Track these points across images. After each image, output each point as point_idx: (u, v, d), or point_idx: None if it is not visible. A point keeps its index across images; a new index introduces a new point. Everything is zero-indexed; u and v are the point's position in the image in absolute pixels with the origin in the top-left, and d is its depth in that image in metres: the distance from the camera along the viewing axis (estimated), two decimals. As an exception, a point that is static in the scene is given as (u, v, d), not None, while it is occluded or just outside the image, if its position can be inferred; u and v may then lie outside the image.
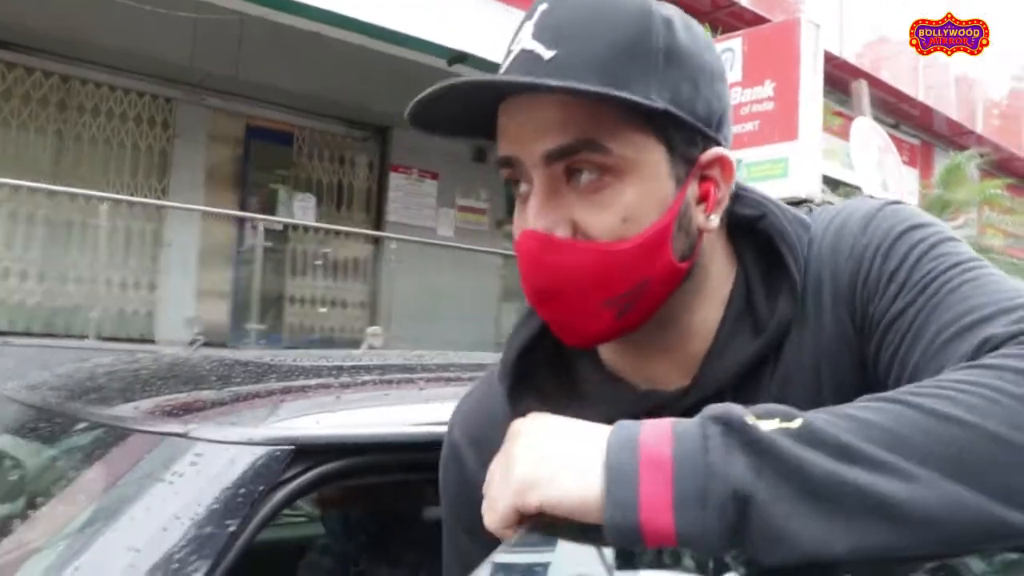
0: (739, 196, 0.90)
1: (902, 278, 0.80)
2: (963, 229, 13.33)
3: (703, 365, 0.87)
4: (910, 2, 11.20)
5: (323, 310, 9.50)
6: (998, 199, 13.19)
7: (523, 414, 0.89)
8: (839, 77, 10.82)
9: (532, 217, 0.79)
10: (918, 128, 14.20)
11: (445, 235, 10.78)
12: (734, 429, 0.64)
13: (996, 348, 0.68)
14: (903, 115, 13.63)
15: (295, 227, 9.30)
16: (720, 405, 0.66)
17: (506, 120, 0.81)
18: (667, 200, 0.80)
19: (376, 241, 9.92)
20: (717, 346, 0.87)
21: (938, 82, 14.06)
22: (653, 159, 0.79)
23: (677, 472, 0.63)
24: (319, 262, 9.49)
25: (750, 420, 0.64)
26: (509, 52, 0.82)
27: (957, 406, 0.62)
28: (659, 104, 0.77)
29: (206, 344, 5.10)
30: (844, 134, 7.77)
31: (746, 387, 0.85)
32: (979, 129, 14.81)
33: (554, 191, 0.79)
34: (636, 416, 0.84)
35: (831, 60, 10.74)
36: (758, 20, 9.79)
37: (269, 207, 9.70)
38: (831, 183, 11.06)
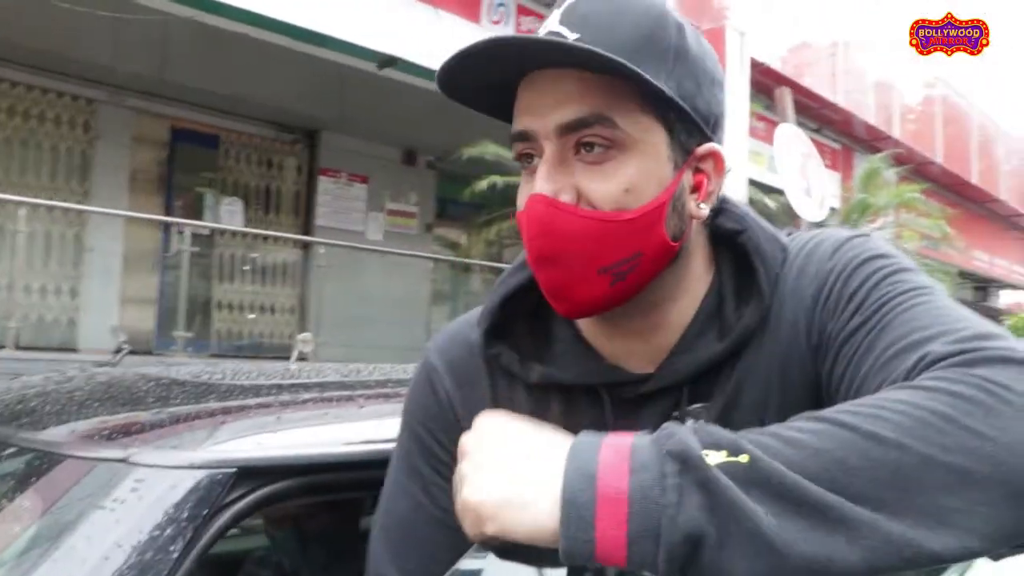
0: (723, 209, 0.97)
1: (859, 299, 0.85)
2: (883, 231, 13.74)
3: (668, 357, 0.93)
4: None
5: (251, 316, 9.38)
6: (914, 202, 13.62)
7: (495, 358, 0.97)
8: (763, 83, 11.06)
9: (540, 181, 0.84)
10: (839, 132, 14.58)
11: (375, 239, 10.74)
12: (690, 468, 0.66)
13: (933, 364, 0.72)
14: (824, 120, 13.98)
15: (222, 232, 9.17)
16: (679, 437, 0.68)
17: (526, 94, 0.87)
18: (665, 180, 0.87)
19: (305, 246, 9.83)
20: (684, 341, 0.93)
21: (856, 87, 14.44)
22: (656, 140, 0.86)
23: (632, 510, 0.65)
24: (247, 267, 9.37)
25: (707, 458, 0.66)
26: (536, 37, 0.87)
27: (895, 429, 0.65)
28: (668, 91, 0.84)
29: (131, 353, 4.97)
30: (769, 138, 7.94)
31: (702, 385, 0.92)
32: (896, 134, 15.25)
33: (562, 160, 0.85)
34: (596, 388, 0.93)
35: (756, 66, 10.97)
36: None
37: (195, 211, 9.54)
38: (758, 186, 11.31)
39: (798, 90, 11.19)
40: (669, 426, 0.70)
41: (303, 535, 1.69)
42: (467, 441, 0.77)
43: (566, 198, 0.84)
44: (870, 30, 15.13)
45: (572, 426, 0.92)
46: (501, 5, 9.05)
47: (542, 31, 0.87)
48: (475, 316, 1.03)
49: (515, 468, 0.71)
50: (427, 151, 11.29)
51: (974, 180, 18.08)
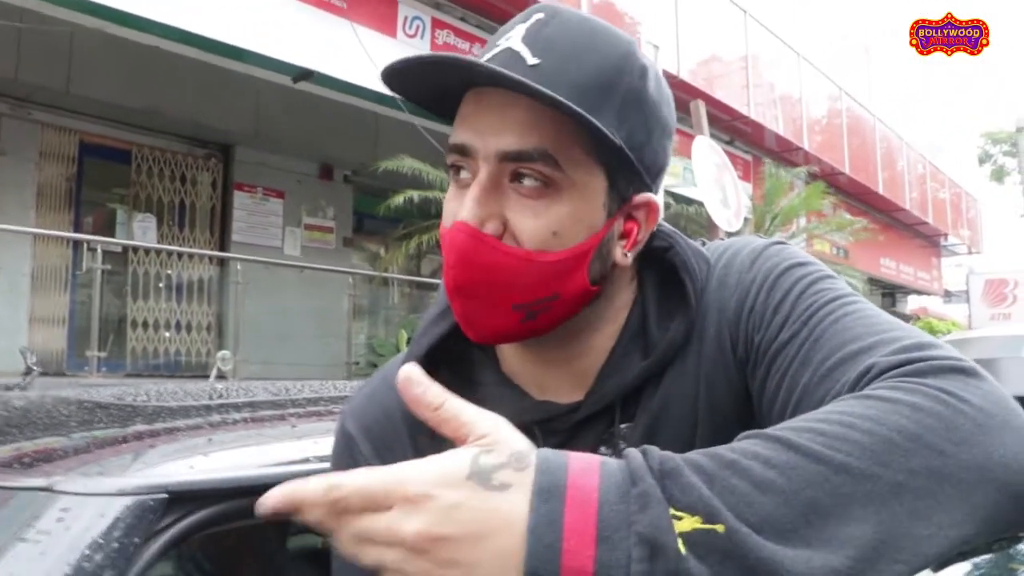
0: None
1: (786, 310, 0.85)
2: (795, 238, 14.11)
3: (595, 382, 0.92)
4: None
5: (168, 334, 9.15)
6: (818, 206, 14.00)
7: None
8: (677, 96, 11.23)
9: (468, 205, 0.81)
10: (750, 144, 14.91)
11: (292, 254, 10.61)
12: (660, 557, 0.59)
13: (878, 376, 0.72)
14: (736, 132, 14.28)
15: (135, 248, 8.93)
16: (650, 511, 0.60)
17: (472, 108, 0.83)
18: (595, 227, 0.85)
19: (221, 262, 9.65)
20: (609, 365, 0.92)
21: (765, 100, 14.80)
22: (594, 185, 0.84)
23: None
24: (162, 284, 9.14)
25: (679, 525, 0.60)
26: (495, 46, 0.85)
27: (863, 455, 0.63)
28: (618, 140, 0.82)
29: (42, 374, 4.81)
30: (683, 151, 8.08)
31: (631, 401, 0.91)
32: (805, 145, 15.67)
33: (495, 186, 0.82)
34: (528, 424, 0.88)
35: (669, 79, 11.11)
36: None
37: (107, 228, 9.28)
38: (676, 197, 11.51)
39: (711, 102, 11.42)
40: (638, 475, 0.62)
41: (233, 559, 1.65)
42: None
43: (490, 228, 0.82)
44: (777, 44, 15.53)
45: None
46: (417, 19, 9.04)
47: (502, 41, 0.84)
48: (390, 372, 0.99)
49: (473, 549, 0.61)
50: (344, 165, 11.20)
51: (880, 190, 18.67)
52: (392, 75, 0.83)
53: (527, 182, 0.82)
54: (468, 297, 0.84)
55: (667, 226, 0.98)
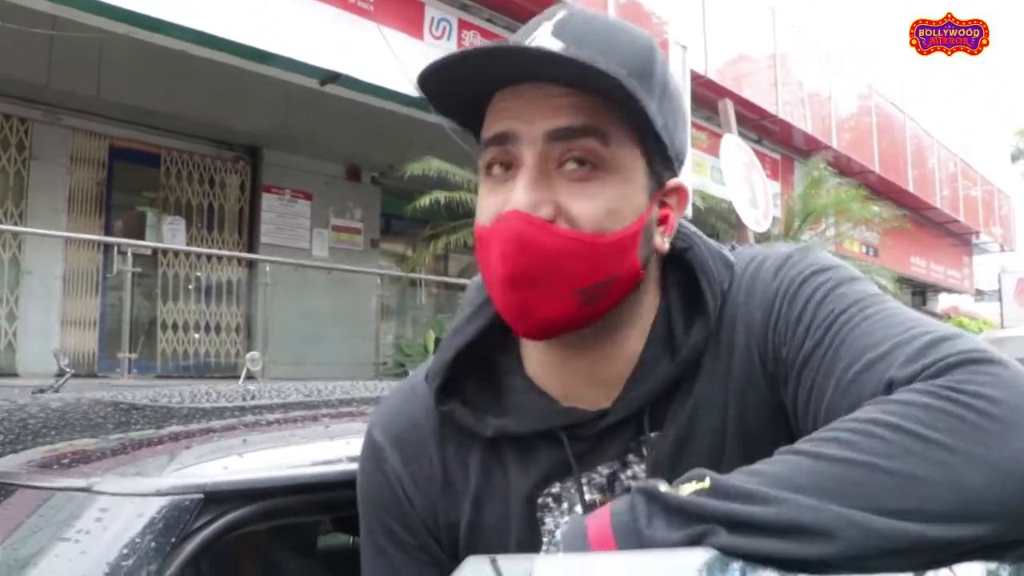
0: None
1: (808, 320, 0.85)
2: (826, 233, 14.01)
3: (624, 389, 0.92)
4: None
5: (197, 336, 9.23)
6: (848, 208, 13.87)
7: (447, 415, 0.94)
8: (705, 95, 11.21)
9: (520, 192, 0.81)
10: (778, 143, 14.83)
11: (320, 256, 10.67)
12: (656, 500, 0.68)
13: (900, 386, 0.72)
14: (764, 131, 14.22)
15: (165, 251, 9.02)
16: (650, 483, 0.70)
17: (510, 99, 0.84)
18: (640, 208, 0.86)
19: (250, 264, 9.72)
20: (639, 372, 0.92)
21: (793, 98, 14.70)
22: (637, 166, 0.86)
23: None
24: (191, 286, 9.22)
25: (674, 491, 0.68)
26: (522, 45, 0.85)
27: (843, 447, 0.67)
28: (659, 120, 0.84)
29: (74, 376, 4.86)
30: (710, 149, 8.05)
31: (659, 409, 0.91)
32: (834, 144, 15.56)
33: (544, 172, 0.83)
34: (556, 430, 0.91)
35: (697, 79, 11.13)
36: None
37: (137, 231, 9.37)
38: (703, 196, 11.45)
39: (738, 101, 11.37)
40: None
41: (266, 559, 1.67)
42: None
43: (544, 213, 0.81)
44: (806, 41, 15.44)
45: (530, 475, 0.91)
46: (444, 20, 9.05)
47: (531, 41, 0.85)
48: (416, 383, 1.01)
49: None
50: (371, 167, 11.25)
51: (910, 188, 18.51)
52: (431, 74, 0.82)
53: (576, 166, 0.82)
54: (527, 286, 0.83)
55: (688, 226, 0.98)
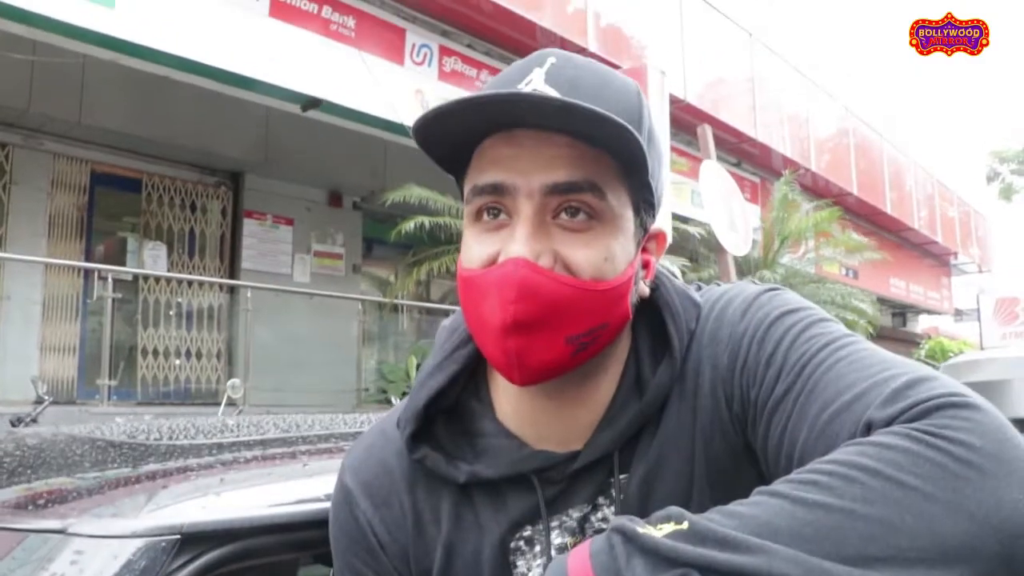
0: None
1: (779, 363, 0.85)
2: (806, 257, 14.07)
3: (595, 433, 0.92)
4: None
5: (178, 362, 9.17)
6: (827, 230, 13.96)
7: (420, 461, 0.94)
8: (684, 119, 11.28)
9: (519, 243, 0.82)
10: (757, 166, 14.90)
11: (301, 281, 10.64)
12: (634, 540, 0.67)
13: (876, 428, 0.72)
14: (743, 154, 14.29)
15: (146, 277, 8.98)
16: (628, 523, 0.69)
17: (503, 147, 0.84)
18: (630, 255, 0.88)
19: (231, 289, 9.68)
20: (609, 414, 0.93)
21: (772, 120, 14.79)
22: (628, 216, 0.88)
23: None
24: (172, 312, 9.17)
25: (650, 532, 0.67)
26: (515, 90, 0.84)
27: (821, 491, 0.67)
28: (650, 168, 0.85)
29: (54, 403, 4.82)
30: (691, 173, 8.09)
31: (628, 451, 0.92)
32: (812, 166, 15.66)
33: (541, 223, 0.84)
34: (527, 474, 0.91)
35: (675, 103, 11.19)
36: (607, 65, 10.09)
37: (118, 256, 9.32)
38: (679, 219, 11.51)
39: (717, 125, 11.45)
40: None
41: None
42: None
43: (545, 262, 0.82)
44: (783, 64, 15.56)
45: (502, 519, 0.92)
46: (424, 47, 9.10)
47: (525, 87, 0.85)
48: (387, 427, 1.02)
49: None
50: (352, 192, 11.26)
51: (888, 210, 18.64)
52: (424, 129, 0.83)
53: (575, 215, 0.83)
54: (527, 332, 0.83)
55: (656, 266, 0.99)
